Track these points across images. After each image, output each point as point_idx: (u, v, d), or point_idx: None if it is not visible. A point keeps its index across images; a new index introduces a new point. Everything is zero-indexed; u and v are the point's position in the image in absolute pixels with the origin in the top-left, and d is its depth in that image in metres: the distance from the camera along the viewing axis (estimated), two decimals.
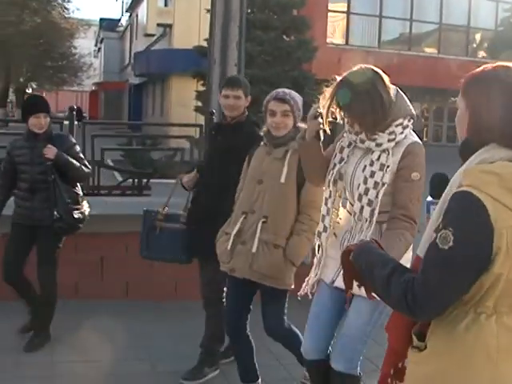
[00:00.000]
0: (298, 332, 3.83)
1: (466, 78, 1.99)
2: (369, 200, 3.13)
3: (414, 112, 3.23)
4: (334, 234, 3.34)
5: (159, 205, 4.45)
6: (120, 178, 9.33)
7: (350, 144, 3.23)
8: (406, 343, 2.04)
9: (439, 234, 1.79)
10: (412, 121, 3.21)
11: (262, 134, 3.86)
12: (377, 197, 3.11)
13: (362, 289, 2.45)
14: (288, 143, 3.71)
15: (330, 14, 26.37)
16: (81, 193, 4.81)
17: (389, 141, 3.13)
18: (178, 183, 4.40)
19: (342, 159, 3.25)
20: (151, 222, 4.39)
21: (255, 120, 4.30)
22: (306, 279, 3.46)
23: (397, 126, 3.15)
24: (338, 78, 3.11)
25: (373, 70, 3.10)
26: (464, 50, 29.24)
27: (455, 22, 28.96)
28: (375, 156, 3.14)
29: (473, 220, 1.76)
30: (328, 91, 3.14)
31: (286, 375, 4.41)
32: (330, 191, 3.30)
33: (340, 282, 3.18)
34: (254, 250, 3.71)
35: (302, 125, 3.57)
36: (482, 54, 29.70)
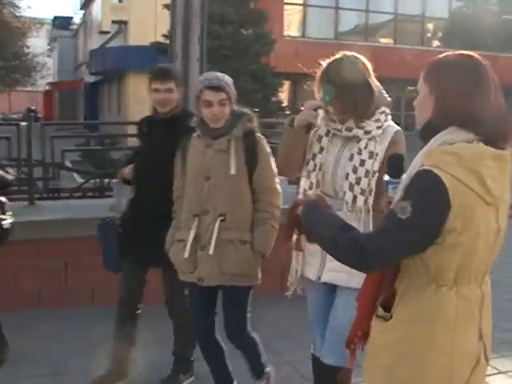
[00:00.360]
0: (258, 341, 3.71)
1: (429, 65, 2.09)
2: (361, 189, 3.08)
3: (388, 100, 3.21)
4: None
5: (108, 208, 4.18)
6: (80, 180, 9.06)
7: (328, 133, 3.18)
8: (372, 312, 2.18)
9: (398, 205, 1.94)
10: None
11: (193, 125, 3.56)
12: (369, 185, 3.08)
13: (350, 280, 2.91)
14: (229, 132, 3.48)
15: (286, 6, 26.31)
16: (5, 200, 4.27)
17: (377, 128, 3.12)
18: (120, 182, 4.13)
19: (321, 148, 3.18)
20: (115, 232, 4.06)
21: (191, 112, 3.90)
22: (289, 278, 3.35)
23: (381, 113, 3.15)
24: (324, 65, 3.09)
25: (356, 57, 3.10)
26: (419, 40, 29.53)
27: (410, 12, 29.20)
28: (362, 144, 3.10)
29: (431, 195, 1.90)
30: (316, 83, 3.13)
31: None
32: (311, 182, 3.20)
33: (327, 277, 3.20)
34: (211, 252, 3.44)
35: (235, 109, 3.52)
36: (436, 43, 29.99)
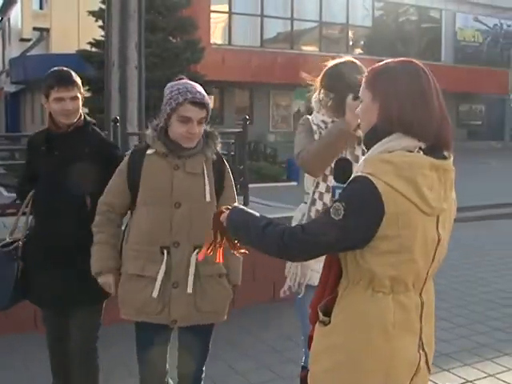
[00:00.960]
0: None
1: (371, 72, 2.13)
2: None
3: None
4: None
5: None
6: (6, 193, 8.64)
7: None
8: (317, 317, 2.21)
9: (334, 205, 1.98)
10: None
11: (150, 139, 3.09)
12: None
13: None
14: (203, 152, 3.12)
15: (212, 14, 26.18)
16: None
17: None
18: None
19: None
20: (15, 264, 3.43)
21: (92, 120, 3.55)
22: (289, 280, 3.26)
23: None
24: (329, 65, 3.19)
25: (353, 61, 3.20)
26: (344, 48, 29.95)
27: (334, 20, 29.58)
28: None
29: (364, 201, 1.95)
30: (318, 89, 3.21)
31: None
32: (327, 185, 3.09)
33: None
34: (189, 290, 3.04)
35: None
36: (359, 50, 30.51)
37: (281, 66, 26.72)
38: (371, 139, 2.08)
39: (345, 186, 2.11)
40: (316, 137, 3.14)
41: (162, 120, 3.07)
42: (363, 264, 2.03)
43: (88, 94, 16.66)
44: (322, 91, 3.19)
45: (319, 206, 3.12)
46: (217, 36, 26.86)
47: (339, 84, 3.07)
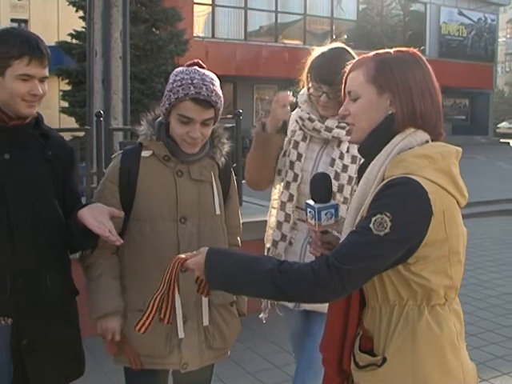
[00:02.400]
0: None
1: (372, 64, 1.88)
2: (344, 198, 2.75)
3: None
4: (290, 241, 2.88)
5: None
6: None
7: (304, 138, 2.84)
8: (340, 363, 1.94)
9: (374, 219, 1.70)
10: None
11: (147, 138, 2.55)
12: (351, 193, 2.74)
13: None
14: (211, 155, 2.60)
15: (195, 6, 25.73)
16: None
17: None
18: None
19: (299, 155, 2.82)
20: None
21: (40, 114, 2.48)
22: (263, 301, 3.01)
23: None
24: (315, 54, 2.79)
25: (344, 48, 2.82)
26: (328, 41, 29.62)
27: (319, 13, 29.26)
28: (344, 147, 2.78)
29: (413, 204, 1.72)
30: (304, 78, 2.84)
31: None
32: (291, 194, 2.82)
33: (306, 305, 2.83)
34: (206, 322, 2.54)
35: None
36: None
37: (265, 59, 26.42)
38: (377, 140, 1.86)
39: (331, 204, 1.94)
40: (297, 135, 2.84)
41: (162, 115, 2.52)
42: (413, 278, 1.78)
43: (68, 87, 16.19)
44: (311, 84, 2.78)
45: (280, 216, 2.84)
46: (200, 29, 26.42)
47: (331, 75, 2.64)
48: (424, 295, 1.81)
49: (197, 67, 2.49)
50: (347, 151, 2.78)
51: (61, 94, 17.60)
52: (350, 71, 1.95)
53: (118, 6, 5.83)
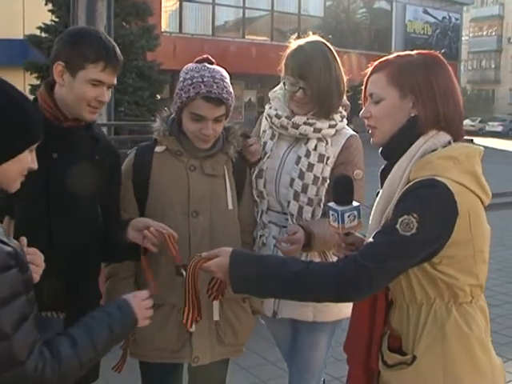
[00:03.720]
0: None
1: (394, 68, 1.89)
2: (308, 199, 2.62)
3: (347, 102, 2.80)
4: (263, 242, 2.75)
5: None
6: None
7: (273, 136, 2.73)
8: (367, 362, 1.95)
9: (400, 220, 1.72)
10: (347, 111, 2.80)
11: (160, 134, 2.55)
12: (317, 194, 2.62)
13: (314, 314, 2.68)
14: (224, 149, 2.58)
15: (163, 1, 25.54)
16: None
17: (329, 127, 2.66)
18: None
19: (265, 154, 2.72)
20: None
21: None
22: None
23: (336, 113, 2.71)
24: (292, 48, 2.67)
25: (323, 42, 2.68)
26: (295, 37, 29.73)
27: (286, 9, 29.32)
28: (311, 145, 2.65)
29: (439, 204, 1.74)
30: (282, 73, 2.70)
31: None
32: (259, 191, 2.72)
33: (285, 312, 2.75)
34: (216, 317, 2.53)
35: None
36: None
37: (233, 54, 26.35)
38: (400, 143, 1.86)
39: (354, 206, 1.93)
40: (266, 134, 2.77)
41: (174, 112, 2.54)
42: (440, 277, 1.81)
43: (37, 82, 15.92)
44: (286, 79, 2.66)
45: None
46: (167, 23, 26.24)
47: (310, 69, 2.58)
48: (451, 294, 1.83)
49: (206, 63, 2.48)
50: (314, 149, 2.66)
51: (29, 88, 17.33)
52: (371, 73, 1.95)
53: (102, 0, 5.74)
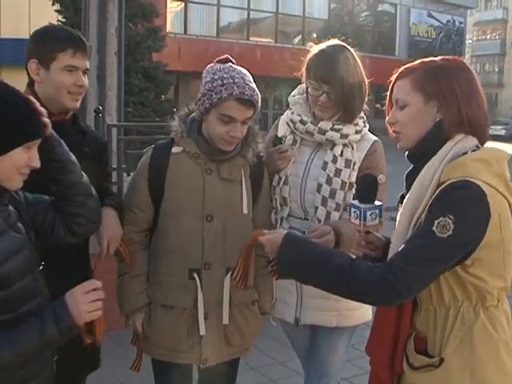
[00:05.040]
0: None
1: (420, 72, 1.92)
2: (336, 204, 2.64)
3: (366, 107, 2.81)
4: None
5: None
6: None
7: (295, 142, 2.73)
8: (391, 364, 1.97)
9: (437, 222, 1.74)
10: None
11: (178, 135, 2.53)
12: (344, 199, 2.63)
13: (336, 319, 2.72)
14: (242, 154, 2.56)
15: (168, 2, 25.60)
16: None
17: (356, 132, 2.68)
18: None
19: (292, 155, 2.73)
20: None
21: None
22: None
23: (359, 118, 2.74)
24: (313, 52, 2.66)
25: (345, 47, 2.69)
26: (300, 39, 29.78)
27: (291, 11, 29.36)
28: (338, 151, 2.66)
29: (475, 206, 1.76)
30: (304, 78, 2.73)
31: None
32: (276, 199, 2.74)
33: (306, 318, 2.76)
34: (225, 321, 2.55)
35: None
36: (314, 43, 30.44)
37: (237, 56, 26.15)
38: (428, 147, 1.90)
39: (376, 205, 1.97)
40: (287, 140, 2.75)
41: (198, 113, 2.50)
42: (470, 280, 1.83)
43: None
44: (309, 83, 2.67)
45: (272, 220, 2.76)
46: (173, 25, 26.29)
47: (333, 73, 2.59)
48: (479, 296, 1.85)
49: (231, 64, 2.49)
50: (341, 155, 2.66)
51: None
52: (396, 79, 1.99)
53: (113, 2, 5.81)
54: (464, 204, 1.76)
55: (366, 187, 2.03)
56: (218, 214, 2.51)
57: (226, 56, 2.54)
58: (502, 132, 41.33)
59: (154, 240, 2.58)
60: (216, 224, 2.50)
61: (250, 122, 2.51)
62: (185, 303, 2.51)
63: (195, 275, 2.47)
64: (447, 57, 1.99)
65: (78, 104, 2.39)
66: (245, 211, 2.55)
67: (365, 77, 2.70)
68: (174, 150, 2.54)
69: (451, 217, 1.74)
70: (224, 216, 2.52)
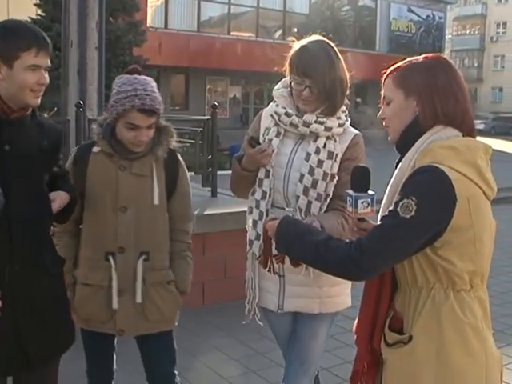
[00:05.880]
0: None
1: (399, 70, 2.06)
2: (318, 194, 2.72)
3: (347, 101, 2.90)
4: None
5: None
6: None
7: (278, 134, 2.81)
8: (370, 340, 2.09)
9: (401, 203, 1.85)
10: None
11: (96, 136, 2.85)
12: (326, 190, 2.72)
13: (318, 306, 2.81)
14: (153, 151, 2.88)
15: None
16: None
17: (339, 125, 2.77)
18: None
19: (272, 151, 2.79)
20: None
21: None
22: (247, 304, 2.98)
23: (342, 112, 2.83)
24: (296, 47, 2.74)
25: (326, 42, 2.78)
26: (280, 34, 29.81)
27: (272, 6, 29.39)
28: (321, 143, 2.75)
29: (436, 189, 1.85)
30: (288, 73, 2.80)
31: None
32: (263, 191, 2.81)
33: (289, 306, 2.84)
34: (138, 299, 2.87)
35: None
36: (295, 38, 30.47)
37: (218, 50, 26.37)
38: (409, 138, 2.02)
39: (368, 194, 2.05)
40: (271, 132, 2.82)
41: (110, 118, 2.81)
42: (440, 262, 1.92)
43: None
44: (292, 78, 2.75)
45: (255, 215, 2.84)
46: (153, 19, 26.20)
47: (315, 68, 2.68)
48: (449, 279, 1.93)
49: (137, 75, 2.79)
50: (324, 146, 2.75)
51: None
52: (385, 78, 2.12)
53: None
54: (426, 187, 1.87)
55: (359, 177, 2.13)
56: (131, 206, 2.85)
57: (133, 67, 2.87)
58: (481, 126, 41.75)
59: (81, 231, 2.96)
60: (130, 214, 2.85)
61: (163, 122, 2.88)
62: (101, 281, 2.86)
63: (110, 257, 2.85)
64: (430, 54, 2.10)
65: (39, 100, 2.43)
66: (155, 202, 2.87)
67: (346, 72, 2.78)
68: (94, 149, 2.88)
69: (414, 198, 1.84)
70: (136, 207, 2.86)
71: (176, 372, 3.10)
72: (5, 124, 2.35)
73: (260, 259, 2.55)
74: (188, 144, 6.70)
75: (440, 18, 35.64)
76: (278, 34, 29.77)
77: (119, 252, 2.85)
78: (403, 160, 2.03)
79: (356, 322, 2.18)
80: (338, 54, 2.76)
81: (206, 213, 5.65)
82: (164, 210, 2.93)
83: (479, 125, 42.00)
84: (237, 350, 4.65)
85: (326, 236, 2.03)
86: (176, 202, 2.98)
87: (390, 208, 1.92)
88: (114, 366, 3.13)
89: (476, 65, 55.45)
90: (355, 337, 2.18)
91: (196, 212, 5.56)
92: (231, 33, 28.26)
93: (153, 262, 2.90)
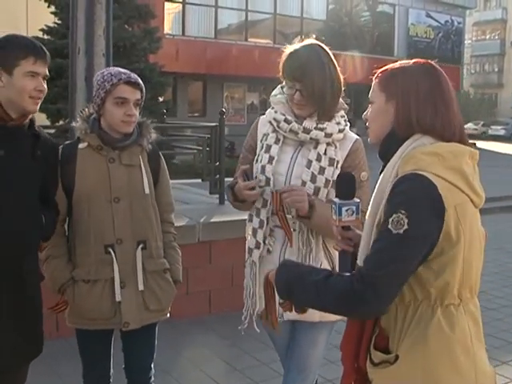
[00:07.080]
0: None
1: (384, 72, 1.98)
2: None
3: (345, 105, 2.86)
4: (268, 249, 2.82)
5: None
6: None
7: (277, 140, 2.77)
8: (356, 359, 2.00)
9: (390, 220, 1.75)
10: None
11: (82, 132, 2.89)
12: (327, 197, 2.69)
13: (317, 315, 2.70)
14: (139, 142, 2.96)
15: (166, 3, 25.61)
16: None
17: (339, 131, 2.73)
18: None
19: (271, 158, 2.76)
20: None
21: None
22: (244, 311, 2.96)
23: (341, 117, 2.79)
24: (287, 52, 2.74)
25: (319, 45, 2.76)
26: (298, 41, 29.76)
27: (289, 12, 29.39)
28: (322, 149, 2.71)
29: (424, 198, 1.75)
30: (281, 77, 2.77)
31: None
32: (264, 199, 2.77)
33: (289, 314, 2.73)
34: (141, 287, 2.93)
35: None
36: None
37: (235, 57, 26.43)
38: (390, 144, 1.93)
39: (353, 201, 2.01)
40: (269, 138, 2.80)
41: (96, 108, 2.90)
42: (429, 276, 1.81)
43: None
44: (284, 82, 2.75)
45: (255, 223, 2.81)
46: (170, 26, 26.31)
47: (303, 71, 2.65)
48: (437, 294, 1.82)
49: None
50: (325, 153, 2.72)
51: None
52: (374, 81, 2.04)
53: (101, 3, 5.75)
54: (414, 196, 1.76)
55: (344, 185, 2.08)
56: (124, 196, 2.91)
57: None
58: (502, 132, 41.46)
59: (70, 228, 2.97)
60: (123, 204, 2.91)
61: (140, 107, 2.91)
62: (105, 275, 2.88)
63: (110, 250, 2.87)
64: (419, 59, 2.00)
65: (38, 107, 2.56)
66: (146, 191, 2.95)
67: (340, 74, 2.74)
68: (80, 146, 2.92)
69: (403, 211, 1.73)
70: (129, 197, 2.92)
71: (152, 367, 3.13)
72: (1, 131, 2.49)
73: (261, 313, 2.45)
74: (195, 150, 6.66)
75: (459, 23, 35.42)
76: (296, 40, 29.72)
77: (117, 243, 2.88)
78: (386, 168, 1.93)
79: (342, 338, 2.08)
80: (332, 56, 2.73)
81: (213, 220, 5.61)
82: (154, 199, 3.01)
83: (499, 130, 41.76)
84: (240, 361, 4.59)
85: (325, 273, 1.90)
86: (161, 192, 3.07)
87: (381, 229, 1.81)
88: (111, 367, 3.12)
89: (496, 70, 55.07)
90: (342, 355, 2.08)
91: (203, 219, 5.52)
92: (248, 39, 28.29)
93: (150, 251, 2.96)
